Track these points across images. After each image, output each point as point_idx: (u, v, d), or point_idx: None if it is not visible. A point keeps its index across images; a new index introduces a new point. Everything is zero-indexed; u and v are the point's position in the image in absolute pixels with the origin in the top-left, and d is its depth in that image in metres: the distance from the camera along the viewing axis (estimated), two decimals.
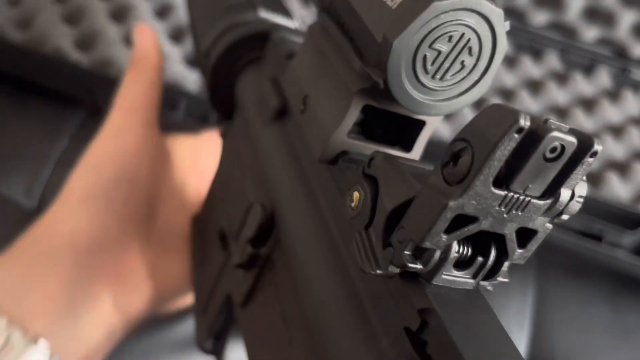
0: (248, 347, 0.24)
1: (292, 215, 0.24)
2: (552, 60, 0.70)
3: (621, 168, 0.61)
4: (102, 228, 0.32)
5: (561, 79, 0.69)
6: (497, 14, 0.20)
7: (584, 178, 0.18)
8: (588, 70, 0.70)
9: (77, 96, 0.57)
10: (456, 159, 0.17)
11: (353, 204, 0.20)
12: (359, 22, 0.22)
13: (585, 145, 0.16)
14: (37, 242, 0.32)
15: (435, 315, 0.17)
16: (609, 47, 0.71)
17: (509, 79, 0.68)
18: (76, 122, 0.58)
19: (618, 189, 0.59)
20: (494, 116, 0.16)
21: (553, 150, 0.16)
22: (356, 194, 0.20)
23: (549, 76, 0.69)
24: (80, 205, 0.32)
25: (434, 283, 0.18)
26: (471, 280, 0.19)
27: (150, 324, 0.50)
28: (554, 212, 0.18)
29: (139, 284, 0.32)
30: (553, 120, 0.16)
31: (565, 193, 0.18)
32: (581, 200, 0.18)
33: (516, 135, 0.16)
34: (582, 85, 0.68)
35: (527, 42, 0.71)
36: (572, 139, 0.16)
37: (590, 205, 0.53)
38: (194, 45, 0.41)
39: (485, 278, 0.19)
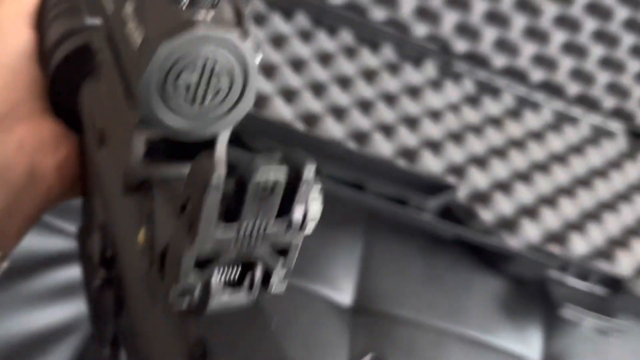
0: None
1: (118, 243, 0.25)
2: (388, 52, 0.80)
3: (435, 146, 0.72)
4: (13, 100, 0.31)
5: (394, 69, 0.79)
6: (231, 38, 0.20)
7: (316, 196, 0.20)
8: (417, 62, 0.80)
9: None
10: (184, 209, 0.19)
11: (141, 242, 0.21)
12: (122, 55, 0.22)
13: (294, 178, 0.18)
14: None
15: (204, 345, 0.19)
16: (435, 42, 0.82)
17: (349, 68, 0.76)
18: None
19: (431, 164, 0.70)
20: (198, 172, 0.18)
21: (265, 188, 0.18)
22: (141, 234, 0.21)
23: (383, 66, 0.78)
24: None
25: (209, 311, 0.20)
26: (246, 297, 0.21)
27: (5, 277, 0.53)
28: (296, 226, 0.20)
29: (53, 149, 0.31)
30: (260, 159, 0.18)
31: (298, 210, 0.20)
32: (315, 217, 0.20)
33: (218, 187, 0.18)
34: (411, 75, 0.79)
35: (367, 35, 0.80)
36: (278, 177, 0.18)
37: (399, 175, 0.63)
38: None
39: (262, 289, 0.21)
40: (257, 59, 0.22)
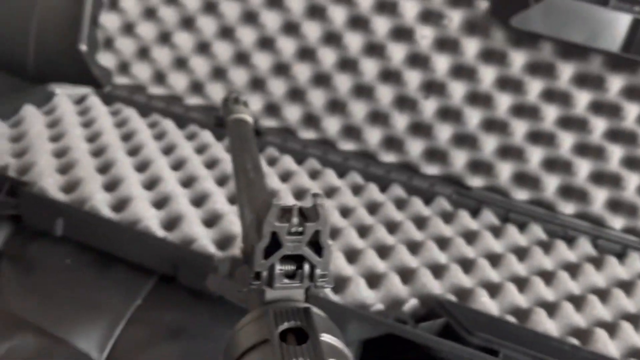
0: None
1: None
2: (585, 246, 0.75)
3: None
4: None
5: (595, 262, 0.73)
6: None
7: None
8: (620, 255, 0.75)
9: (156, 267, 0.63)
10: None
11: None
12: None
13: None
14: None
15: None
16: (635, 234, 0.76)
17: (547, 263, 0.72)
18: (149, 286, 0.63)
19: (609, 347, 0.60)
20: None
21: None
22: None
23: (583, 260, 0.73)
24: None
25: (274, 290, 0.30)
26: (299, 284, 0.31)
27: None
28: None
29: None
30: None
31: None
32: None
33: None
34: (616, 269, 0.72)
35: (559, 230, 0.77)
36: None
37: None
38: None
39: (311, 281, 0.31)
40: None
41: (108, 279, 0.62)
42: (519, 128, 0.80)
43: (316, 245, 0.30)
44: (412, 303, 0.61)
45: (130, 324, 0.59)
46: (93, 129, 0.82)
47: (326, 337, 0.27)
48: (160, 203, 0.69)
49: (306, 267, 0.30)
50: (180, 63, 0.91)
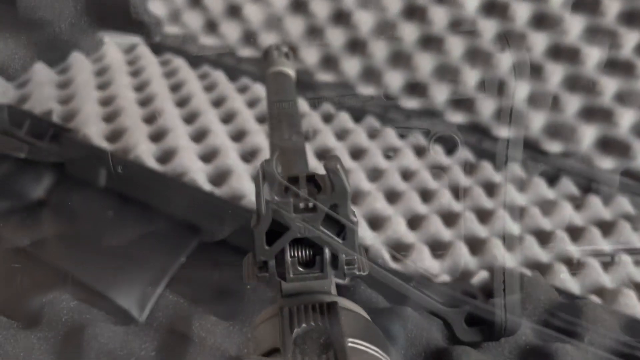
0: None
1: None
2: None
3: None
4: None
5: None
6: None
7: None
8: None
9: (202, 224, 0.58)
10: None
11: None
12: None
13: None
14: None
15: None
16: None
17: (636, 239, 0.64)
18: (195, 243, 0.59)
19: None
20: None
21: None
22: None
23: None
24: None
25: (288, 281, 0.24)
26: (319, 273, 0.24)
27: None
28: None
29: None
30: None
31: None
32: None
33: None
34: None
35: None
36: None
37: None
38: None
39: (335, 270, 0.24)
40: None
41: (151, 234, 0.58)
42: (609, 86, 0.71)
43: (336, 223, 0.24)
44: (481, 276, 0.54)
45: (174, 282, 0.55)
46: (141, 78, 0.78)
47: (357, 344, 0.21)
48: (209, 156, 0.65)
49: (327, 251, 0.24)
50: (234, 11, 0.85)
